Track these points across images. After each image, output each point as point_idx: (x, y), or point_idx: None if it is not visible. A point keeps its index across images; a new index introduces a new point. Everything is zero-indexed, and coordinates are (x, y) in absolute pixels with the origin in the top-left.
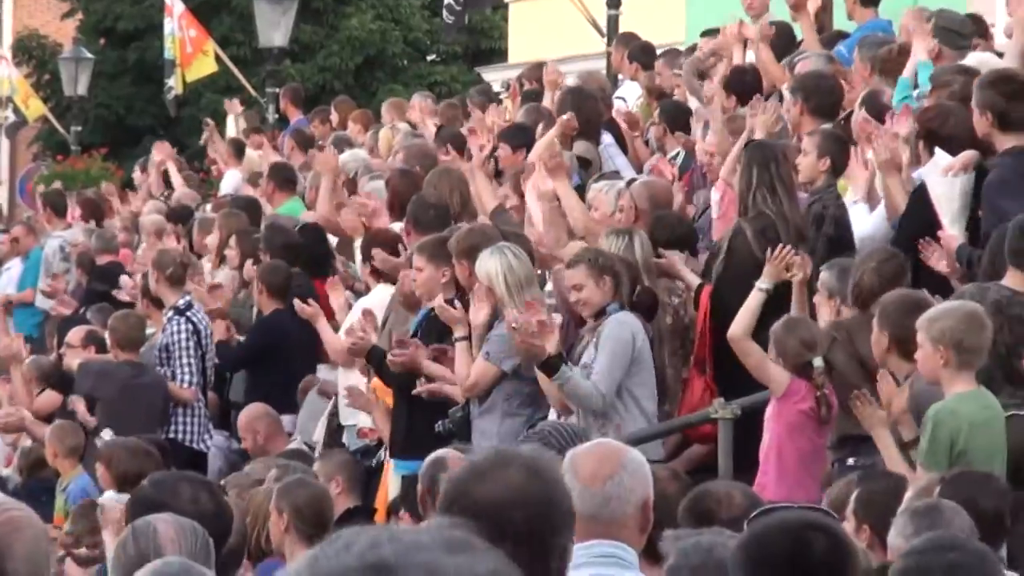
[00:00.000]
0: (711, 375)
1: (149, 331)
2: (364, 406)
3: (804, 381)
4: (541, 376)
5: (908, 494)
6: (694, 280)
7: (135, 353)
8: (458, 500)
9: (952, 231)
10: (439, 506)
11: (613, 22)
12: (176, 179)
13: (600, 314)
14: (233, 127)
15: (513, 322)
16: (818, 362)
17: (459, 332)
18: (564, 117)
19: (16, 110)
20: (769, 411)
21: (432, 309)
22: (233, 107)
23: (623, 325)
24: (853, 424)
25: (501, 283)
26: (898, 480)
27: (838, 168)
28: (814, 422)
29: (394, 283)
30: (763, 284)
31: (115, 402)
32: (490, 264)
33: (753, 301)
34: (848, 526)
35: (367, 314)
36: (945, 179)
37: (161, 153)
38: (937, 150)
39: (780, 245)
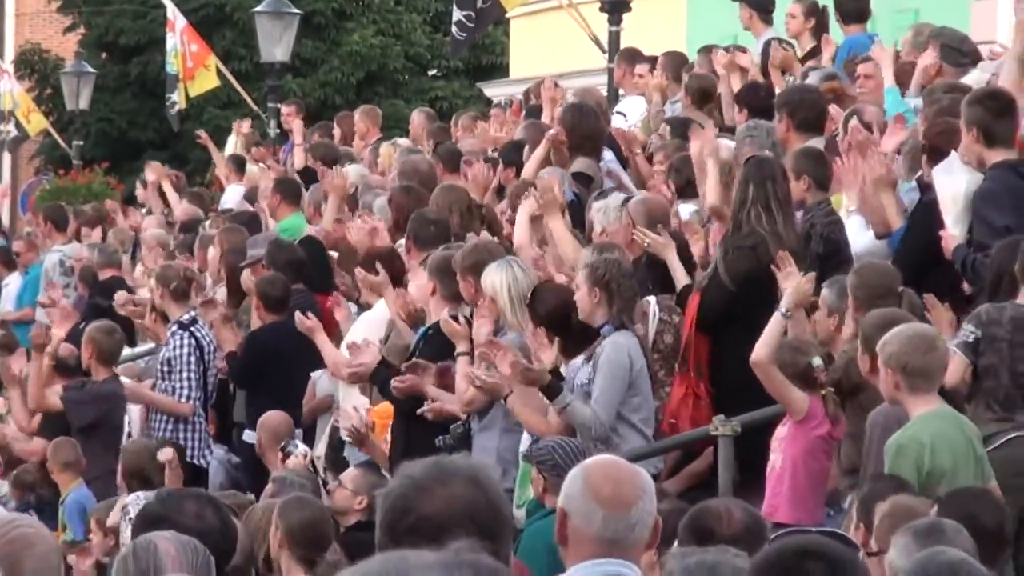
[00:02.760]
0: (706, 388)
1: (147, 346)
2: (360, 441)
3: (819, 405)
4: (527, 409)
5: (883, 508)
6: (682, 277)
7: (111, 369)
8: (402, 519)
9: (954, 231)
10: (380, 522)
11: (614, 38)
12: (172, 196)
13: (596, 334)
14: (232, 144)
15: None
16: (816, 361)
17: (461, 347)
18: (550, 132)
19: (18, 124)
20: (783, 433)
21: (430, 328)
22: (241, 127)
23: (619, 348)
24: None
25: (504, 295)
26: (900, 484)
27: (820, 183)
28: (828, 445)
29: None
30: (784, 310)
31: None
32: (495, 276)
33: (775, 326)
34: (850, 524)
35: (363, 343)
36: (952, 181)
37: (154, 173)
38: (953, 153)
39: (784, 265)
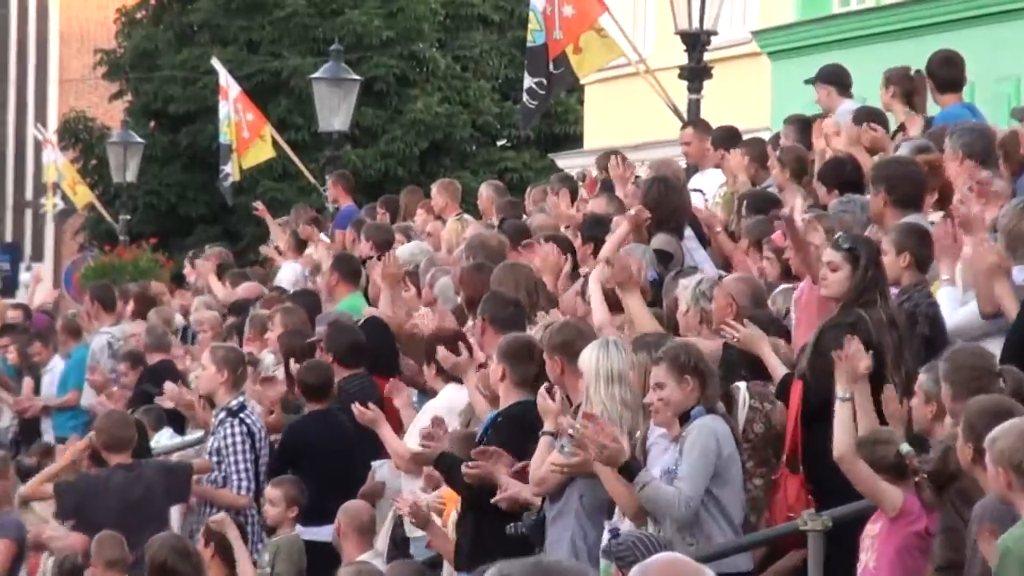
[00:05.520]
0: (804, 479)
1: (196, 435)
2: (423, 523)
3: (914, 499)
4: (613, 479)
5: None
6: (780, 369)
7: (126, 455)
8: None
9: None
10: None
11: (694, 106)
12: (216, 286)
13: (684, 419)
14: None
15: (570, 428)
16: (905, 448)
17: (548, 425)
18: (631, 212)
19: (64, 197)
20: (876, 530)
21: (499, 414)
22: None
23: (708, 432)
24: (959, 552)
25: (591, 369)
26: None
27: (921, 262)
28: (924, 542)
29: (461, 382)
30: (843, 394)
31: (112, 523)
32: (589, 351)
33: (843, 415)
34: None
35: (436, 422)
36: None
37: (210, 263)
38: None
39: (850, 346)
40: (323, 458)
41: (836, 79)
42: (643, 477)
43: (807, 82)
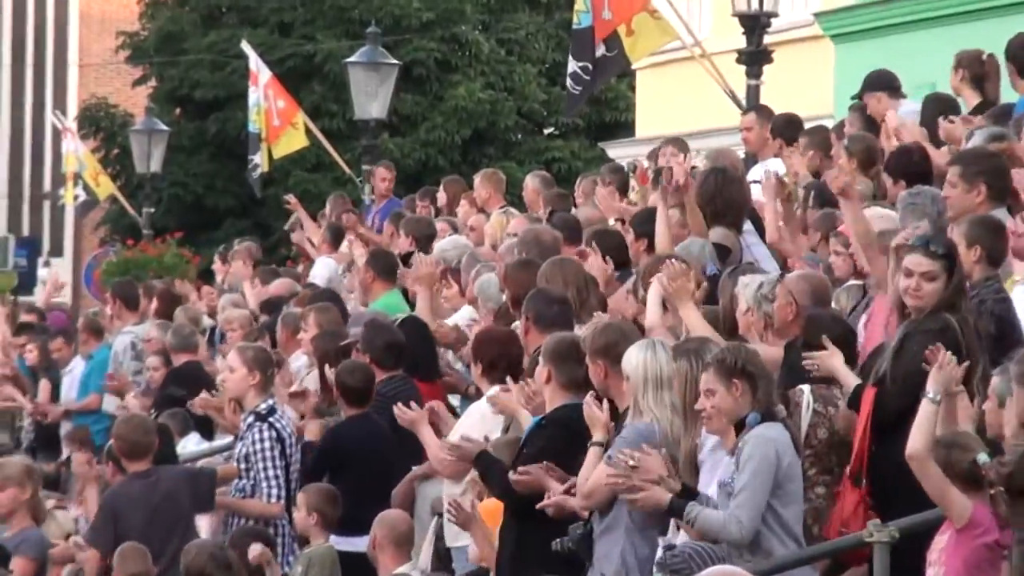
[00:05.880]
0: (867, 489)
1: (225, 440)
2: (464, 522)
3: (985, 510)
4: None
5: None
6: (851, 379)
7: (146, 462)
8: None
9: None
10: None
11: (753, 92)
12: (249, 292)
13: (740, 426)
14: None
15: (631, 460)
16: (983, 457)
17: (597, 435)
18: (663, 185)
19: (86, 187)
20: (944, 542)
21: (543, 418)
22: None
23: (767, 442)
24: None
25: (640, 374)
26: None
27: (993, 257)
28: (995, 555)
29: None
30: (934, 395)
31: (137, 535)
32: (634, 354)
33: (927, 414)
34: None
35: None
36: None
37: (247, 268)
38: None
39: (943, 351)
40: (361, 465)
41: (883, 84)
42: (688, 512)
43: (853, 98)
